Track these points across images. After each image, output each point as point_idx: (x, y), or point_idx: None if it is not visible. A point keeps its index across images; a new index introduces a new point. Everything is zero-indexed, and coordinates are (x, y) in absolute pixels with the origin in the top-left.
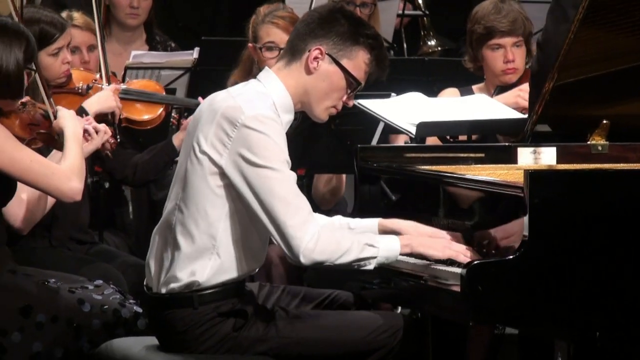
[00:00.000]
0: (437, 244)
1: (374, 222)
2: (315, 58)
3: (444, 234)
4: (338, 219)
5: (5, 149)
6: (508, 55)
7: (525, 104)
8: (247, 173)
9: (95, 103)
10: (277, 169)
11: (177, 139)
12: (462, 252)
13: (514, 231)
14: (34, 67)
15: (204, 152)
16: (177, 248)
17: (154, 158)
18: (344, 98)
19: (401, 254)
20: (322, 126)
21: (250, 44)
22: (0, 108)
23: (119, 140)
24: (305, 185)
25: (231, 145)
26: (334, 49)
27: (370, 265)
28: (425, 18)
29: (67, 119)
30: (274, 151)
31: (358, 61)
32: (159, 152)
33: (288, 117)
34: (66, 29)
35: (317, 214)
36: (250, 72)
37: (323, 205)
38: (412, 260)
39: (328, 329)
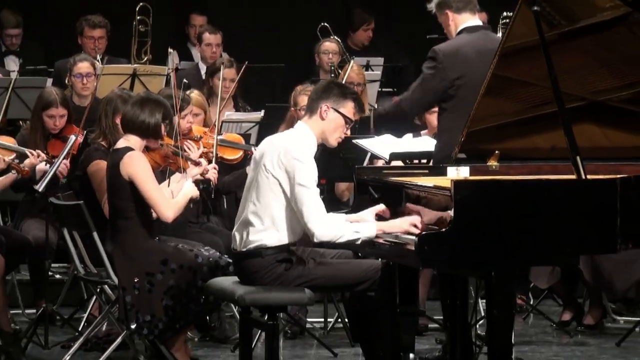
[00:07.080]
0: (397, 226)
1: (364, 215)
2: (325, 111)
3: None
4: (343, 215)
5: (143, 175)
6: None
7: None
8: (292, 186)
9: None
10: (309, 187)
11: (249, 169)
12: (413, 226)
13: (446, 215)
14: (168, 123)
15: (268, 170)
16: (252, 225)
17: (235, 180)
18: (345, 130)
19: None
20: (336, 155)
21: (292, 108)
22: (149, 146)
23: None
24: (326, 189)
25: (284, 167)
26: (334, 104)
27: (358, 242)
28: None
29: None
30: (308, 174)
31: (349, 108)
32: (238, 176)
33: (314, 149)
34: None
35: (331, 213)
36: (292, 125)
37: (342, 198)
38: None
39: (337, 269)
